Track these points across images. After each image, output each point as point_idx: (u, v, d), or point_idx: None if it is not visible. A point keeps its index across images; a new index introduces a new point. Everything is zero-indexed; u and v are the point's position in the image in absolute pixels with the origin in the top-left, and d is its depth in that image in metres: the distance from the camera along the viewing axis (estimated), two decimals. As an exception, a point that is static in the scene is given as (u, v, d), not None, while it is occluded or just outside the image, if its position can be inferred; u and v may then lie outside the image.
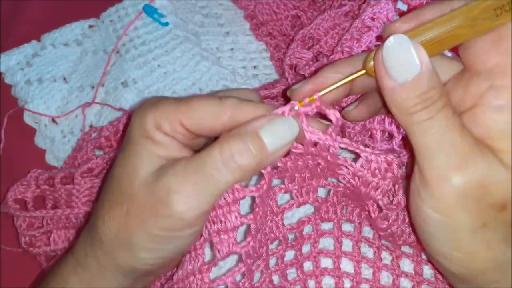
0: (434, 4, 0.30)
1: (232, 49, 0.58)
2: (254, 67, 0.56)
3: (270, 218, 0.35)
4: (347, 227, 0.38)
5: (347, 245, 0.38)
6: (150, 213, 0.29)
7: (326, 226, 0.38)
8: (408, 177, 0.32)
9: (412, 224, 0.33)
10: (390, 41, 0.28)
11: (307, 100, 0.31)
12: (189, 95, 0.33)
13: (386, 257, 0.38)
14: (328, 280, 0.38)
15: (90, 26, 0.59)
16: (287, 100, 0.34)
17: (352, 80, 0.32)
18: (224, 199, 0.30)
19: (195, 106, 0.30)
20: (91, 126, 0.52)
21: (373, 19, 0.45)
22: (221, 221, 0.31)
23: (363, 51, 0.43)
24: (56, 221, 0.43)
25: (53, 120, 0.53)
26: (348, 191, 0.36)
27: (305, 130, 0.31)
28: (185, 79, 0.54)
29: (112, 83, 0.54)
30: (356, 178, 0.33)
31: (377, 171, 0.32)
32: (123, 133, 0.47)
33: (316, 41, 0.48)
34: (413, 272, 0.37)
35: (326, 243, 0.39)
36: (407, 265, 0.38)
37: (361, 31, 0.44)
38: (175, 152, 0.31)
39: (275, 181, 0.34)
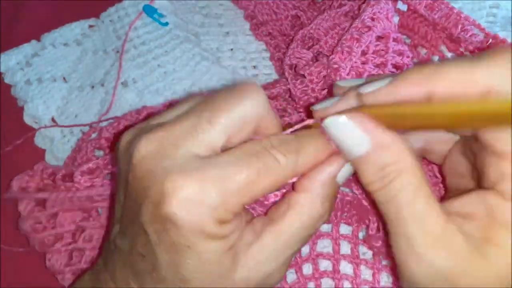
0: (415, 78, 0.24)
1: (232, 49, 0.57)
2: (254, 67, 0.56)
3: None
4: (344, 229, 0.38)
5: (345, 247, 0.38)
6: None
7: (324, 227, 0.38)
8: None
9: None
10: (326, 124, 0.25)
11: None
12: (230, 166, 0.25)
13: (386, 257, 0.38)
14: (327, 282, 0.38)
15: (90, 26, 0.59)
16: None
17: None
18: None
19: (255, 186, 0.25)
20: (90, 127, 0.51)
21: (373, 19, 0.45)
22: None
23: (362, 51, 0.43)
24: (61, 203, 0.42)
25: (53, 120, 0.53)
26: (354, 201, 0.36)
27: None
28: (185, 79, 0.54)
29: (112, 83, 0.54)
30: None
31: None
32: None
33: (316, 41, 0.48)
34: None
35: (324, 247, 0.38)
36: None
37: (361, 31, 0.44)
38: (238, 233, 0.26)
39: None
